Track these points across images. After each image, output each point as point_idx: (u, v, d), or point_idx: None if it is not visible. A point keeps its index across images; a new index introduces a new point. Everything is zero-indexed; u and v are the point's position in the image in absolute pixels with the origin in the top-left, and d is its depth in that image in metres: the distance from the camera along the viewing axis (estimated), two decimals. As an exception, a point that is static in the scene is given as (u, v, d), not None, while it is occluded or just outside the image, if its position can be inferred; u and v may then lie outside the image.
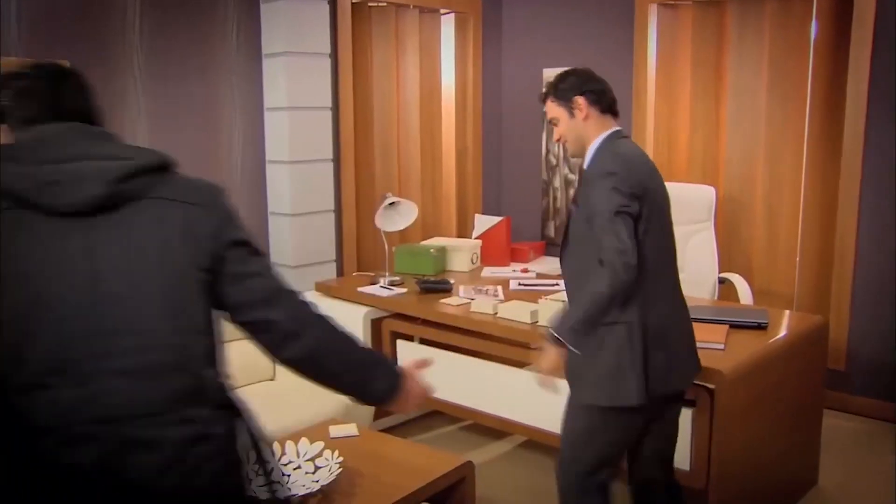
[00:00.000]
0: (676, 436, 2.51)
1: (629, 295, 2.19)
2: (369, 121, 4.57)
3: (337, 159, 4.35)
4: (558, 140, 2.43)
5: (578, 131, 2.36)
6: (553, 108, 2.39)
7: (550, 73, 5.05)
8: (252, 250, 1.56)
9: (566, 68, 2.45)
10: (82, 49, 3.40)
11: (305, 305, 1.59)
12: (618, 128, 2.37)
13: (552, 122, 2.42)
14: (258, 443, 1.60)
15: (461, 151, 5.16)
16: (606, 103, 2.36)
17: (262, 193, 4.19)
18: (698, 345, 2.69)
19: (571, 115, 2.35)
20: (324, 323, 1.60)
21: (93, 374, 1.36)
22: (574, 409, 2.39)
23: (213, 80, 3.91)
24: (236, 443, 1.53)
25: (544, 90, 2.44)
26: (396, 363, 1.74)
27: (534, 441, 3.52)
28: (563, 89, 2.36)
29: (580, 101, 2.33)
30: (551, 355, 2.16)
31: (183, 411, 1.42)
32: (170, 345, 1.42)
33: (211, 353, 1.51)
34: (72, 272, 1.37)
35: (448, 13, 4.97)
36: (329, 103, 4.25)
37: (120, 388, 1.37)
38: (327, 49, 4.19)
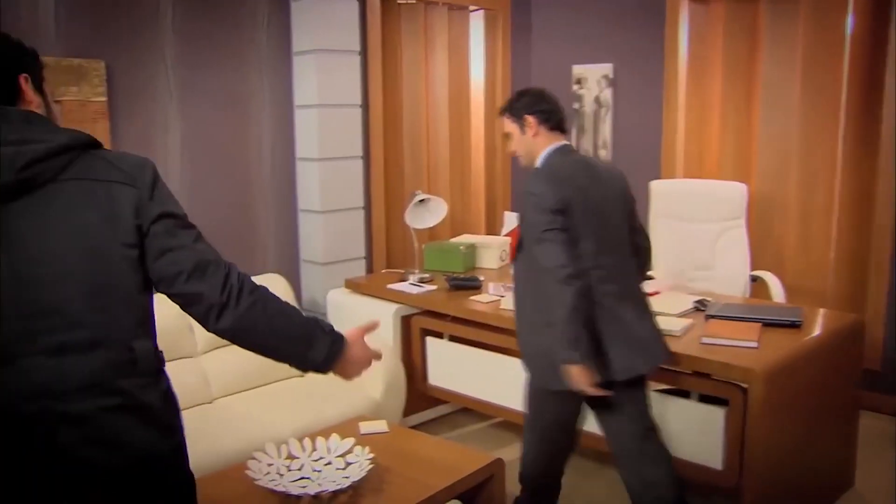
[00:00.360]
0: (647, 418, 2.58)
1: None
2: (398, 118, 4.57)
3: (366, 156, 4.37)
4: (512, 153, 2.66)
5: (528, 146, 2.58)
6: (507, 125, 2.62)
7: (580, 70, 5.04)
8: (180, 223, 1.54)
9: (545, 90, 2.66)
10: (116, 43, 3.45)
11: (236, 277, 1.56)
12: (562, 143, 2.57)
13: (507, 137, 2.65)
14: None
15: (490, 149, 5.15)
16: (555, 121, 2.57)
17: (292, 190, 4.21)
18: (730, 343, 2.69)
19: (523, 131, 2.58)
20: (256, 294, 1.57)
21: (21, 355, 1.38)
22: (529, 389, 2.66)
23: (244, 77, 3.94)
24: (171, 409, 1.55)
25: (502, 107, 2.67)
26: (338, 330, 1.69)
27: (563, 439, 3.51)
28: (516, 108, 2.59)
29: (530, 119, 2.55)
30: (575, 375, 2.34)
31: (114, 383, 1.44)
32: (95, 321, 1.43)
33: (143, 324, 1.52)
34: None
35: (477, 10, 4.95)
36: (359, 101, 4.26)
37: (48, 365, 1.39)
38: (357, 46, 4.20)
